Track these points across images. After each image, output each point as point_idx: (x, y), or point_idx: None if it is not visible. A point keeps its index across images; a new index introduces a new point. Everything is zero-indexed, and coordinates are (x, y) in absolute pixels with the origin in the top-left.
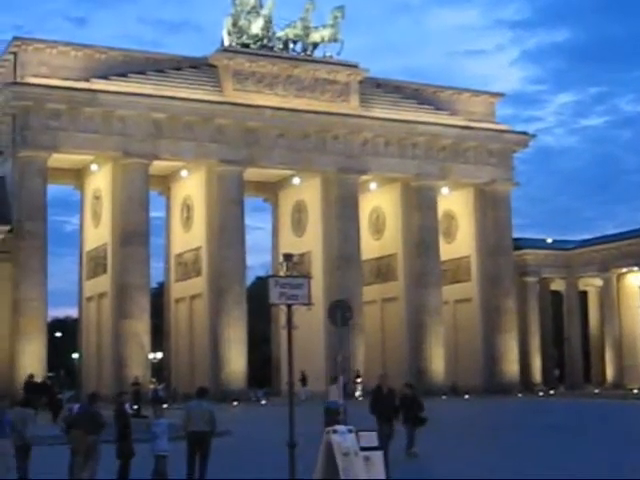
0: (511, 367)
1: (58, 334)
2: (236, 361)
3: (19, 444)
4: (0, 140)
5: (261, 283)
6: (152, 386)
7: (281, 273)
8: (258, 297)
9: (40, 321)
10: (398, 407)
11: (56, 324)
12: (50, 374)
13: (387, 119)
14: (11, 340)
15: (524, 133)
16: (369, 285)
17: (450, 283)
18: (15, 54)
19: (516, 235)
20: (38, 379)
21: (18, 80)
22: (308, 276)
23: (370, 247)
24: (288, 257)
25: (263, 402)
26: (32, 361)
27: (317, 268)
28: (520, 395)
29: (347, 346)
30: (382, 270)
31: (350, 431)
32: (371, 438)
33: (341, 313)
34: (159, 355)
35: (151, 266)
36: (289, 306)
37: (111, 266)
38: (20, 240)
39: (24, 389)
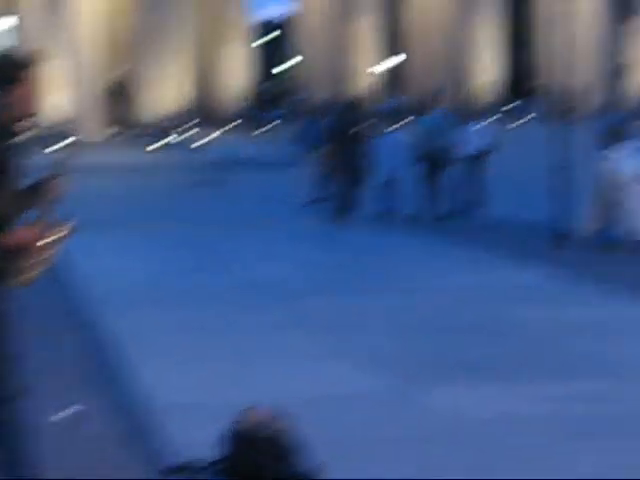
0: None
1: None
2: (486, 70)
3: None
4: None
5: None
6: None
7: None
8: None
9: None
10: None
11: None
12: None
13: None
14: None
15: None
16: None
17: None
18: None
19: None
20: None
21: None
22: None
23: None
24: None
25: (524, 119)
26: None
27: None
28: None
29: (628, 50)
30: None
31: (637, 152)
32: None
33: (625, 4)
34: (390, 64)
35: None
36: None
37: None
38: None
39: None
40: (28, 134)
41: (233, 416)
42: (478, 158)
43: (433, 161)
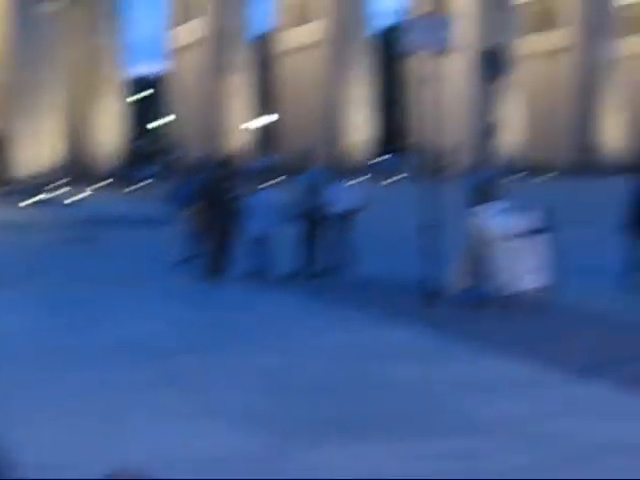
0: None
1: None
2: (358, 129)
3: None
4: None
5: (390, 32)
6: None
7: (417, 14)
8: (386, 49)
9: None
10: None
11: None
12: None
13: None
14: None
15: None
16: (526, 34)
17: (634, 33)
18: None
19: None
20: None
21: None
22: (449, 17)
23: None
24: None
25: (395, 177)
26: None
27: (461, 8)
28: None
29: (497, 110)
30: (545, 14)
31: (505, 211)
32: (532, 220)
33: (494, 64)
34: (264, 121)
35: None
36: (428, 54)
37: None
38: None
39: None
40: None
41: (102, 477)
42: (348, 217)
43: (311, 219)
